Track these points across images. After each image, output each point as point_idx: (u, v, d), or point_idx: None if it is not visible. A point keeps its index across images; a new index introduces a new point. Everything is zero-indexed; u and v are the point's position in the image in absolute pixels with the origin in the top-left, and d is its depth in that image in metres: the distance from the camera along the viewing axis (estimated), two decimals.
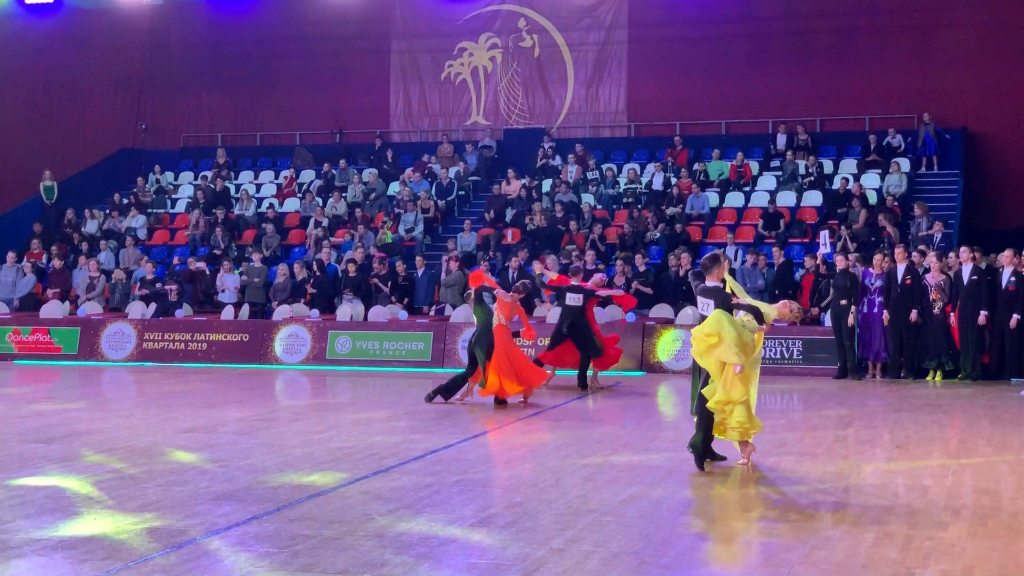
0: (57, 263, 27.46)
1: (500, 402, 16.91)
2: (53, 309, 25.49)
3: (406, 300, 25.01)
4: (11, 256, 27.37)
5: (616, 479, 11.23)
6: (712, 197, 28.13)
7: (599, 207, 28.29)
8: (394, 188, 30.48)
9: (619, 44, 32.21)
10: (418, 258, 25.97)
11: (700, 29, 31.21)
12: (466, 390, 17.36)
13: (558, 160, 30.70)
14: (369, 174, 30.68)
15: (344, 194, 30.13)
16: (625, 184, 29.18)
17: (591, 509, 9.87)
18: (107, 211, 30.97)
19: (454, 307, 24.40)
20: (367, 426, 14.84)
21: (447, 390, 17.18)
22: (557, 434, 15.06)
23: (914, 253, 21.12)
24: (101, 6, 33.83)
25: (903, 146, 28.85)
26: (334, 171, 31.55)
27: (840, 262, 20.69)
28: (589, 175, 29.67)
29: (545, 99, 32.75)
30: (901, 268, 20.15)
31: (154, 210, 31.35)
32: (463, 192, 30.64)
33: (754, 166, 29.39)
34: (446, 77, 33.20)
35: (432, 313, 24.67)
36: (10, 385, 20.27)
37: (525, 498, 10.35)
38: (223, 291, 25.81)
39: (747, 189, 28.66)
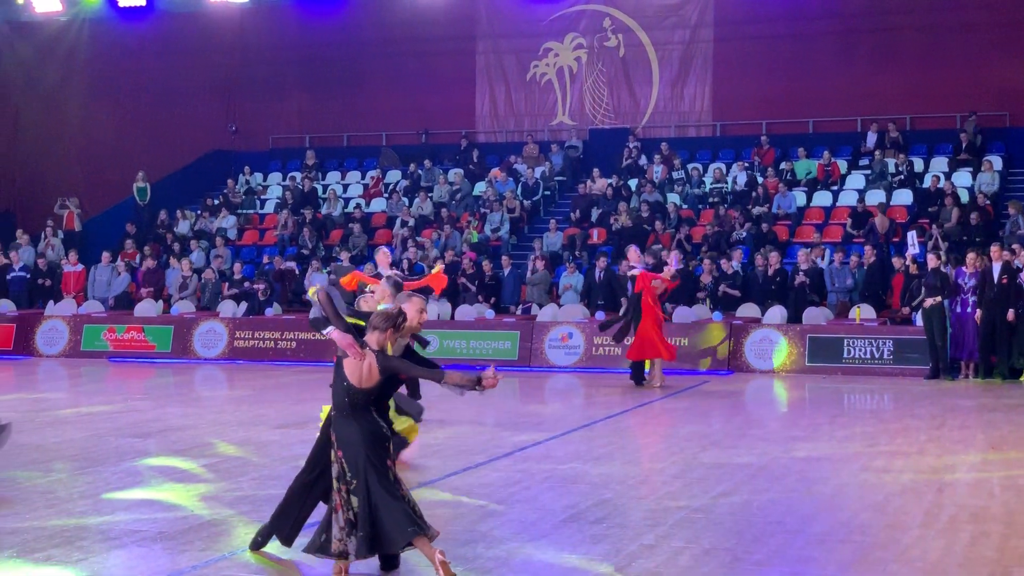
0: (150, 263, 27.93)
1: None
2: (147, 308, 25.94)
3: (493, 299, 25.10)
4: (106, 256, 27.89)
5: (705, 477, 11.21)
6: (799, 196, 27.89)
7: (685, 207, 28.17)
8: (480, 188, 30.60)
9: (704, 43, 32.03)
10: (504, 257, 26.06)
11: (786, 26, 30.95)
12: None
13: (643, 160, 30.62)
14: (455, 174, 30.84)
15: (430, 194, 30.31)
16: (711, 184, 29.03)
17: (681, 506, 9.87)
18: (198, 212, 31.43)
19: (540, 306, 24.47)
20: (455, 423, 14.94)
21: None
22: (645, 432, 15.07)
23: (1005, 252, 20.78)
24: (192, 10, 34.34)
25: (993, 143, 28.42)
26: (420, 171, 31.73)
27: (931, 261, 20.43)
28: (675, 175, 29.56)
29: (630, 99, 32.68)
30: (997, 267, 19.85)
31: (244, 211, 31.76)
32: (548, 192, 30.67)
33: (842, 164, 29.08)
34: (531, 77, 33.25)
35: (519, 312, 24.75)
36: (106, 382, 20.67)
37: (614, 494, 10.38)
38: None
39: (835, 188, 28.38)
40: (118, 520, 9.50)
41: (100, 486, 10.88)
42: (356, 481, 7.57)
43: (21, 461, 12.06)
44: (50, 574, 7.99)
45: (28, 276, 27.98)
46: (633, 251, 19.85)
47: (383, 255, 17.08)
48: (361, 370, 7.63)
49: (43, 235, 30.17)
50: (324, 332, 7.74)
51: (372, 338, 7.69)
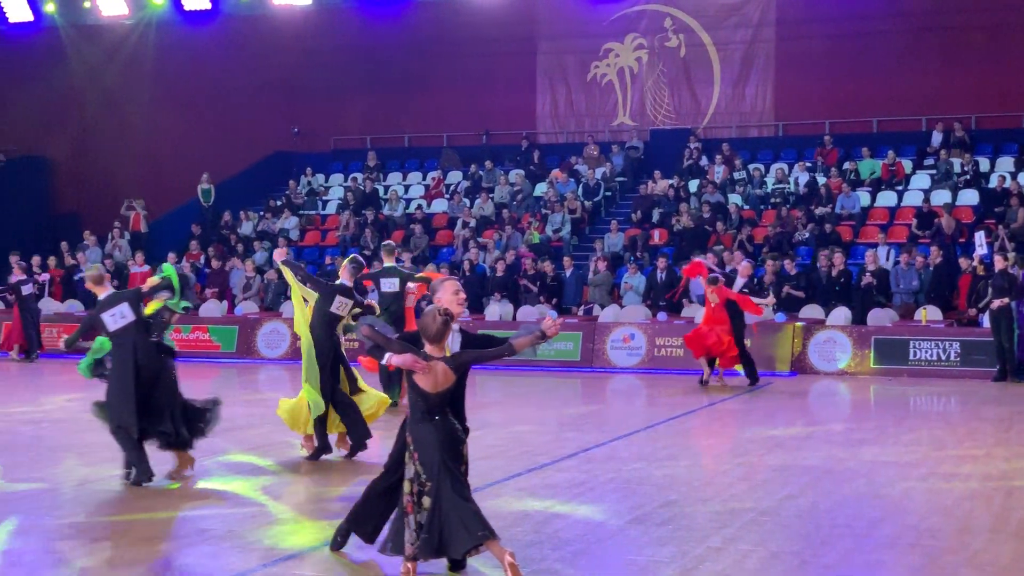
0: (215, 263, 28.19)
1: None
2: (211, 308, 26.20)
3: (554, 300, 25.12)
4: (171, 257, 28.17)
5: (771, 479, 11.16)
6: (863, 196, 27.66)
7: (746, 207, 28.03)
8: (541, 189, 30.62)
9: (766, 42, 31.86)
10: (566, 258, 26.07)
11: (849, 25, 30.71)
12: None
13: (704, 160, 30.50)
14: (516, 175, 30.87)
15: (491, 195, 30.38)
16: (773, 184, 28.87)
17: (747, 508, 9.83)
18: (261, 213, 31.70)
19: (602, 307, 24.45)
20: (518, 424, 14.96)
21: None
22: (709, 433, 15.02)
23: None
24: (256, 13, 34.62)
25: None
26: (481, 172, 31.81)
27: (998, 262, 20.20)
28: (736, 175, 29.42)
29: (691, 99, 32.56)
30: None
31: (306, 211, 31.99)
32: (609, 193, 30.64)
33: (907, 164, 28.81)
34: (592, 78, 33.22)
35: (581, 313, 24.74)
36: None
37: (680, 496, 10.35)
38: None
39: (900, 188, 28.13)
40: (189, 517, 9.61)
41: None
42: (430, 483, 7.57)
43: (92, 459, 12.22)
44: (123, 571, 8.09)
45: None
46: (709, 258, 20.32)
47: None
48: (436, 377, 7.63)
49: (110, 236, 30.56)
50: (384, 362, 7.73)
51: (432, 349, 7.65)
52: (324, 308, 12.51)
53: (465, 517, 7.49)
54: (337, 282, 12.76)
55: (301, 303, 12.66)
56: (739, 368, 19.32)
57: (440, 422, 7.66)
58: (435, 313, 7.61)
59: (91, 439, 12.86)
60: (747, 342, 19.56)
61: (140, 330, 11.10)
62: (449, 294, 8.05)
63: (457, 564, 7.89)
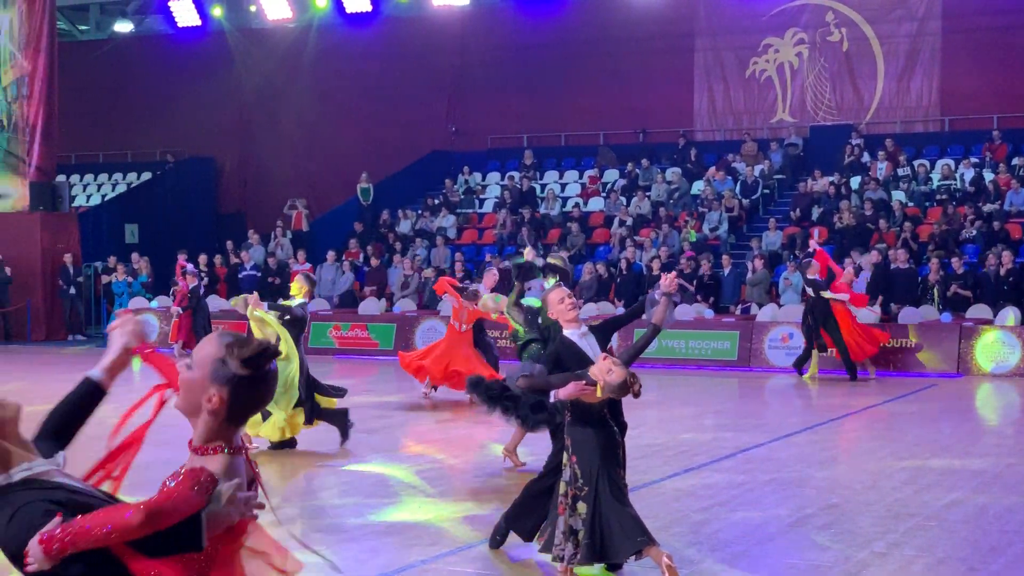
0: (374, 261, 28.61)
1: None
2: (370, 306, 26.58)
3: (712, 299, 24.88)
4: (331, 255, 28.70)
5: (936, 483, 10.87)
6: None
7: (911, 204, 27.36)
8: (698, 187, 30.36)
9: (932, 35, 31.06)
10: (724, 256, 25.79)
11: (1019, 17, 29.73)
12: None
13: (866, 156, 29.87)
14: (672, 173, 30.66)
15: (648, 193, 30.22)
16: (938, 180, 28.12)
17: (911, 513, 9.59)
18: (419, 211, 32.07)
19: (760, 306, 24.12)
20: (675, 424, 14.86)
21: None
22: (871, 436, 14.70)
23: None
24: (415, 14, 35.03)
25: None
26: (638, 170, 31.66)
27: None
28: (900, 171, 28.73)
29: (853, 94, 31.92)
30: None
31: (463, 210, 32.26)
32: (768, 190, 30.22)
33: None
34: (751, 74, 32.79)
35: (738, 312, 24.45)
36: (332, 378, 21.21)
37: (842, 499, 10.15)
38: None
39: None
40: (349, 514, 9.75)
41: (331, 479, 11.20)
42: (587, 488, 7.48)
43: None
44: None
45: (258, 274, 29.01)
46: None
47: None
48: (601, 394, 7.43)
49: (273, 235, 31.25)
50: (551, 400, 7.66)
51: (595, 372, 7.47)
52: (302, 329, 13.21)
53: (625, 523, 7.41)
54: (297, 302, 13.27)
55: (284, 332, 12.74)
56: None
57: (600, 426, 7.57)
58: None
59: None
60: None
61: None
62: (555, 300, 7.93)
63: (614, 566, 7.85)
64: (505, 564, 8.20)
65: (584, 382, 7.32)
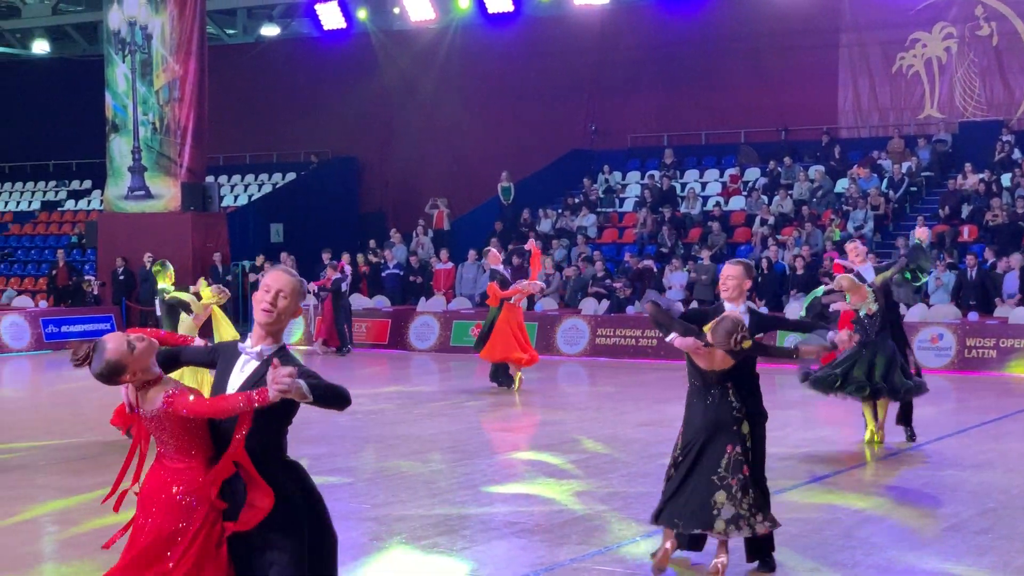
0: (515, 260, 28.71)
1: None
2: None
3: None
4: (472, 254, 28.88)
5: None
6: None
7: None
8: (842, 185, 29.87)
9: None
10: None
11: None
12: None
13: (1018, 153, 29.07)
14: (815, 171, 30.21)
15: (790, 192, 29.84)
16: None
17: None
18: (560, 210, 32.12)
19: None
20: (822, 426, 14.66)
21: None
22: None
23: None
24: (555, 14, 35.10)
25: None
26: (779, 169, 31.28)
27: None
28: None
29: (1004, 89, 31.11)
30: None
31: (603, 209, 32.21)
32: (915, 188, 29.60)
33: None
34: (897, 70, 32.16)
35: None
36: (473, 377, 21.40)
37: (998, 504, 9.92)
38: (670, 288, 26.18)
39: None
40: (497, 511, 9.83)
41: (477, 477, 11.29)
42: (683, 458, 7.71)
43: (402, 451, 12.69)
44: (436, 561, 8.36)
45: (401, 273, 29.36)
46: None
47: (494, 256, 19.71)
48: (713, 360, 7.59)
49: (415, 234, 31.58)
50: (668, 339, 7.72)
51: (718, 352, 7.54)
52: None
53: (704, 503, 7.54)
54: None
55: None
56: None
57: (715, 402, 7.66)
58: (734, 335, 7.33)
59: (401, 431, 13.33)
60: None
61: None
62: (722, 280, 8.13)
63: (766, 564, 7.81)
64: (648, 561, 8.17)
65: (701, 345, 7.50)
